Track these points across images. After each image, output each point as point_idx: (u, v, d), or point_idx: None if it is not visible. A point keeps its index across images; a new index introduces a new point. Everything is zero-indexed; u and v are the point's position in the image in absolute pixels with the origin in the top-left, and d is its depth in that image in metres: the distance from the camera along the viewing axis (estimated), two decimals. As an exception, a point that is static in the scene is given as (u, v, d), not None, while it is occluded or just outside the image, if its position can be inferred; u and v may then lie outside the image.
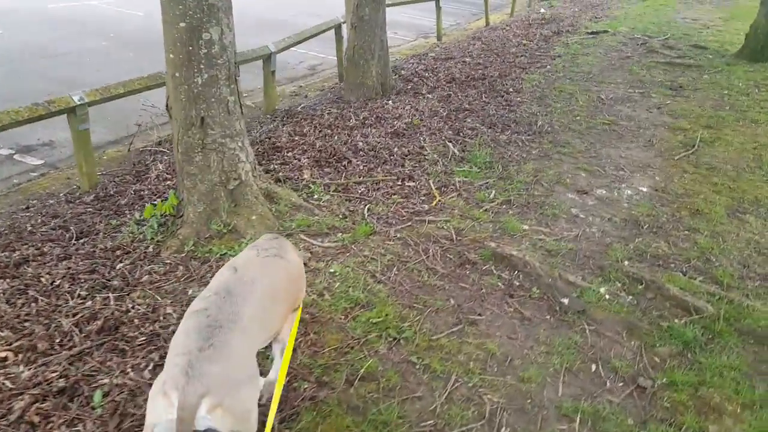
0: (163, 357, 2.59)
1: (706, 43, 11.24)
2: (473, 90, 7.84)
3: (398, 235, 3.90)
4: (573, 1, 21.62)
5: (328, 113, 6.67)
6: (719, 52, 10.33)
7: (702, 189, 4.99)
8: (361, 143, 5.58)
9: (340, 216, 4.11)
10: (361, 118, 6.50)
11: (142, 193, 4.50)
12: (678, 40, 11.55)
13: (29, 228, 3.96)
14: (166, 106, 3.81)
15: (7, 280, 3.26)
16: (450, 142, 5.70)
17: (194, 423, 1.64)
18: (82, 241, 3.77)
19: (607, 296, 3.42)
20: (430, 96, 7.52)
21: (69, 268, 3.41)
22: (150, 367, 2.65)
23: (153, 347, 2.78)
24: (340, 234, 3.87)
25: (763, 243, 4.15)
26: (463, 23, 16.51)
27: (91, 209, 4.27)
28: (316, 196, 4.40)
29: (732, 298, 3.40)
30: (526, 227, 4.12)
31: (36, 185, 4.95)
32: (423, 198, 4.54)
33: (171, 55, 3.58)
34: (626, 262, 3.74)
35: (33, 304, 3.05)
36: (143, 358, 2.71)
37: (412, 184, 4.76)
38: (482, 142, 5.78)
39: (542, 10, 19.29)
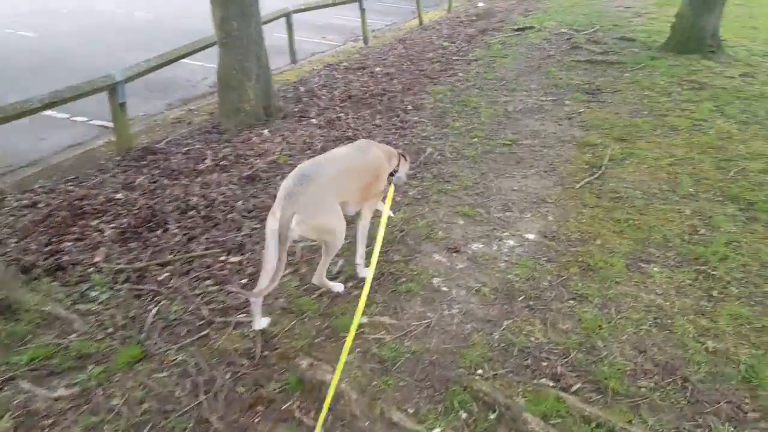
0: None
1: (634, 34, 10.51)
2: (368, 110, 6.89)
3: (180, 358, 2.85)
4: (511, -8, 20.97)
5: (185, 151, 5.63)
6: (646, 44, 9.59)
7: (601, 230, 4.11)
8: (196, 198, 4.55)
9: (111, 329, 3.03)
10: (219, 156, 5.47)
11: None
12: (606, 33, 10.81)
13: None
14: None
15: None
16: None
17: (286, 229, 2.69)
18: None
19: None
20: (315, 120, 6.53)
21: None
22: None
23: None
24: (92, 367, 2.76)
25: (666, 309, 3.28)
26: (400, 22, 15.74)
27: None
28: (94, 294, 3.32)
29: (613, 425, 2.48)
30: (364, 320, 3.14)
31: None
32: (246, 279, 3.55)
33: None
34: (479, 372, 2.80)
35: None
36: None
37: (237, 258, 3.75)
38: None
39: (480, 4, 18.55)
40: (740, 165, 5.08)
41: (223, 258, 3.73)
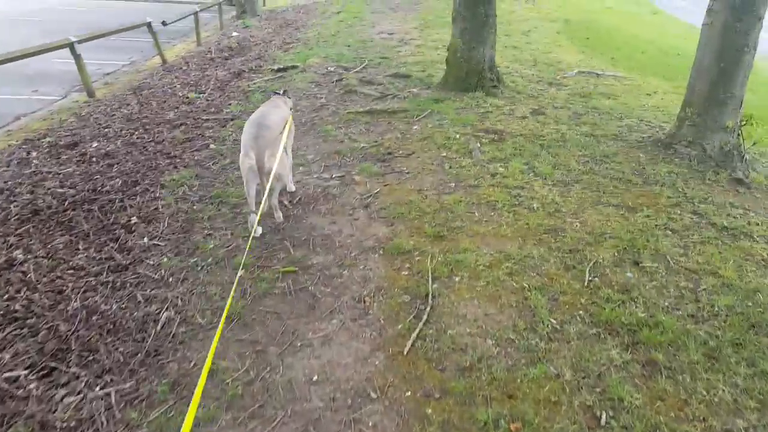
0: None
1: (407, 68, 9.52)
2: (67, 234, 4.40)
3: None
4: (268, 19, 19.35)
5: None
6: (423, 82, 8.59)
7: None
8: None
9: None
10: None
11: None
12: (377, 68, 9.66)
13: None
14: None
15: None
16: None
17: (264, 164, 3.80)
18: None
19: None
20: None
21: None
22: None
23: None
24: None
25: None
26: (141, 60, 12.77)
27: None
28: None
29: None
30: None
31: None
32: None
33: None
34: None
35: None
36: None
37: None
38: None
39: (234, 34, 16.50)
40: (589, 258, 3.91)
41: None
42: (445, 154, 5.77)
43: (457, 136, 6.13)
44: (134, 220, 4.66)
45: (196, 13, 14.93)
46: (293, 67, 10.06)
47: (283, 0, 24.28)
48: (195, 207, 4.83)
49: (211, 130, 6.90)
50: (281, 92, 4.97)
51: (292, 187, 5.04)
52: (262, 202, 3.70)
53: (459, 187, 5.05)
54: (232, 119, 7.28)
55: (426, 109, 7.10)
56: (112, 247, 4.27)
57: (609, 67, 10.25)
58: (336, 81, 8.88)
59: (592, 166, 5.39)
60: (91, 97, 8.73)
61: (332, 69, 9.70)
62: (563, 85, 8.37)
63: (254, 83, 9.29)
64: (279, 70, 9.99)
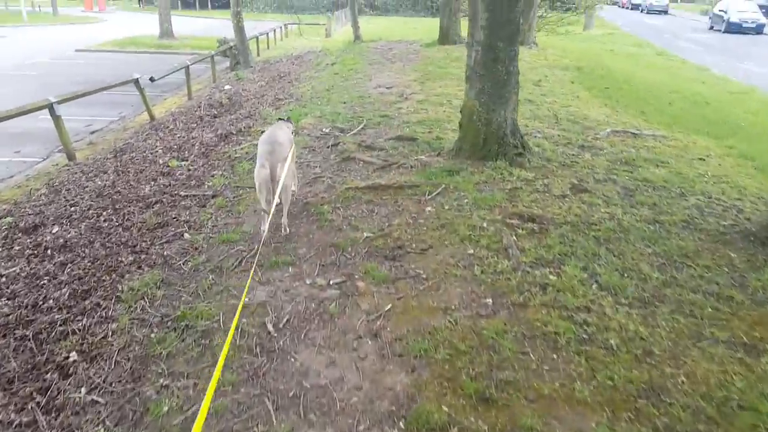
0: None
1: (411, 128, 8.35)
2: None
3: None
4: (262, 71, 18.47)
5: None
6: (432, 146, 7.39)
7: None
8: None
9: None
10: None
11: None
12: (377, 129, 8.49)
13: None
14: None
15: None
16: None
17: (276, 174, 4.47)
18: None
19: None
20: None
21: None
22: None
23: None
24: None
25: None
26: (131, 115, 12.08)
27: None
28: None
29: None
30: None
31: None
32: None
33: None
34: None
35: None
36: None
37: None
38: None
39: (227, 87, 15.53)
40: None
41: None
42: (472, 251, 4.45)
43: (484, 224, 4.82)
44: (73, 356, 3.36)
45: (187, 67, 14.01)
46: (284, 128, 8.87)
47: (277, 50, 23.60)
48: (153, 334, 3.53)
49: (188, 212, 5.67)
50: (285, 118, 5.96)
51: (294, 189, 5.60)
52: (270, 213, 4.34)
53: (499, 306, 3.72)
54: (213, 196, 6.05)
55: (439, 184, 5.85)
56: (38, 403, 2.97)
57: (642, 123, 9.10)
58: (332, 146, 7.68)
59: (672, 272, 4.05)
60: (71, 160, 8.11)
61: (327, 131, 8.52)
62: (598, 149, 7.16)
63: (242, 148, 8.10)
64: (268, 131, 8.82)
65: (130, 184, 6.88)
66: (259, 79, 16.49)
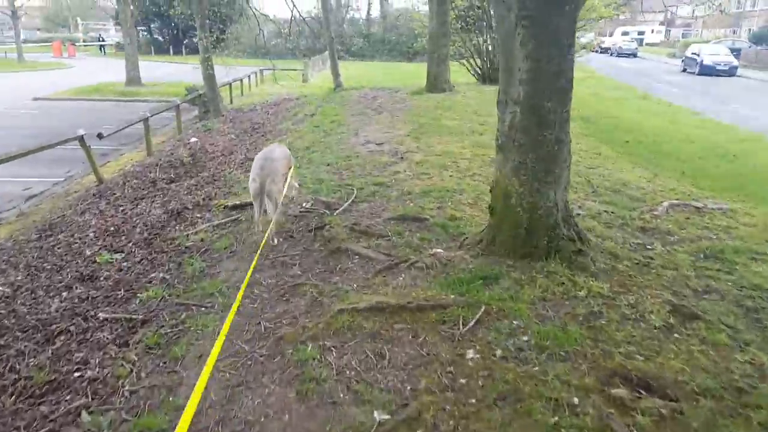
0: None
1: (415, 202, 6.60)
2: None
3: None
4: (233, 120, 16.77)
5: None
6: (448, 230, 5.63)
7: None
8: None
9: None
10: None
11: None
12: (372, 202, 6.74)
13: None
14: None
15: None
16: None
17: (265, 188, 5.31)
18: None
19: None
20: None
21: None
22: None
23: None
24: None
25: None
26: (79, 175, 10.61)
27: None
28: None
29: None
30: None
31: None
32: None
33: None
34: None
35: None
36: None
37: None
38: None
39: (192, 140, 13.75)
40: None
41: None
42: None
43: (574, 398, 2.96)
44: None
45: (146, 119, 12.27)
46: (250, 204, 7.04)
47: (252, 97, 22.03)
48: None
49: (99, 357, 3.75)
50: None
51: (293, 193, 6.20)
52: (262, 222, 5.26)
53: None
54: (142, 323, 4.17)
55: (477, 303, 4.02)
56: None
57: (694, 190, 7.52)
58: (315, 229, 5.87)
59: None
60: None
61: (309, 206, 6.73)
62: (665, 233, 5.47)
63: (195, 232, 6.24)
64: (234, 207, 6.99)
65: (35, 296, 4.97)
66: (229, 131, 14.80)
